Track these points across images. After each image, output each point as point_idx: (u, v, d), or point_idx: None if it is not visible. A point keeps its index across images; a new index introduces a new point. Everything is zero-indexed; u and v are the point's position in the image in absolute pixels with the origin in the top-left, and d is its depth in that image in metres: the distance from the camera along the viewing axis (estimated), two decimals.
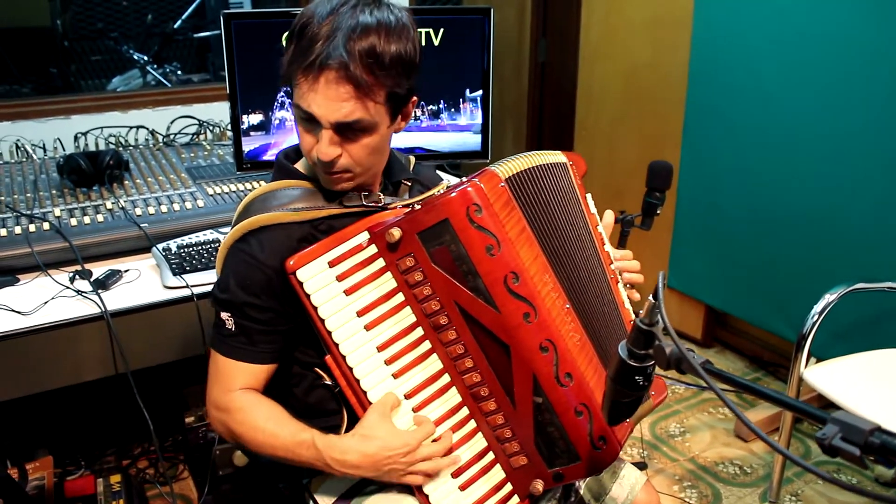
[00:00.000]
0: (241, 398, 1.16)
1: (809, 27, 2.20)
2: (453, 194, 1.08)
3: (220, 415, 1.17)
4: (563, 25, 3.42)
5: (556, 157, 1.29)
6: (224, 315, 1.15)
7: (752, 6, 2.36)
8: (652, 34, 2.96)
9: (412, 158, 1.42)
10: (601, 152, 3.30)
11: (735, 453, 2.37)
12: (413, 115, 1.26)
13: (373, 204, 1.20)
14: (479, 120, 2.00)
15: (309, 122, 1.10)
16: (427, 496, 1.16)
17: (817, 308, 1.81)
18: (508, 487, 1.20)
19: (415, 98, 1.19)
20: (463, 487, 1.18)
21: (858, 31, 2.08)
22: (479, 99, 1.97)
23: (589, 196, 1.37)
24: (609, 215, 1.42)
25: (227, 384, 1.16)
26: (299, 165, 1.24)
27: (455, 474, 1.17)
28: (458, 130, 1.99)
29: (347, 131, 1.10)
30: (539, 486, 1.17)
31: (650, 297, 0.81)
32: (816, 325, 1.80)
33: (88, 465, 2.18)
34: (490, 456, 1.19)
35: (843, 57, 2.13)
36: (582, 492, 1.33)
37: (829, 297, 1.82)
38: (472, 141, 2.02)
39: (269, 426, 1.14)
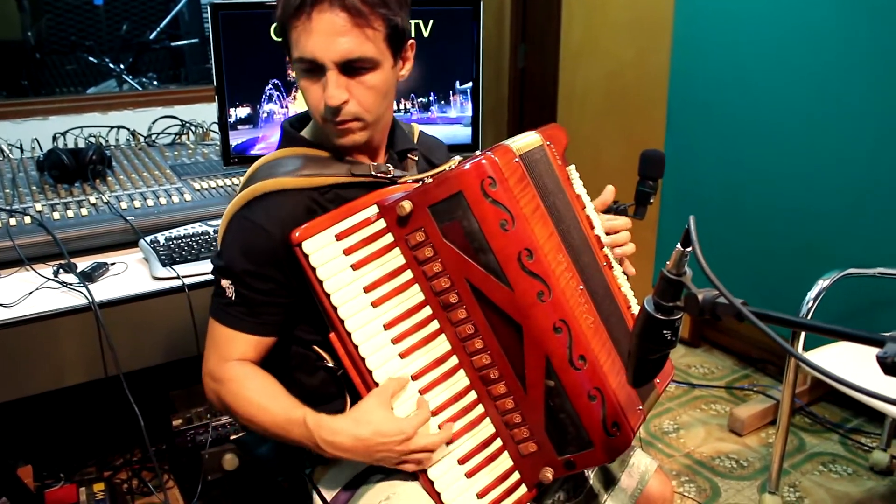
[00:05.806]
0: (236, 369, 1.12)
1: (789, 21, 2.23)
2: (467, 166, 1.04)
3: (213, 384, 1.14)
4: (543, 29, 3.44)
5: (534, 139, 1.21)
6: (224, 283, 1.11)
7: (732, 2, 2.38)
8: (634, 34, 2.98)
9: (416, 127, 1.38)
10: (585, 154, 3.31)
11: (730, 448, 2.36)
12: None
13: (382, 175, 1.16)
14: (469, 112, 1.98)
15: (311, 72, 1.06)
16: (432, 483, 1.12)
17: (812, 294, 1.82)
18: (516, 476, 1.16)
19: (412, 41, 1.15)
20: (469, 475, 1.14)
21: (837, 25, 2.11)
22: (468, 91, 1.96)
23: (573, 170, 1.29)
24: (609, 191, 1.35)
25: (224, 354, 1.12)
26: (305, 133, 1.20)
27: (461, 461, 1.13)
28: (449, 123, 1.98)
29: (352, 71, 1.06)
30: (549, 474, 1.13)
31: (678, 245, 0.78)
32: (812, 311, 1.80)
33: (68, 476, 2.10)
34: (498, 443, 1.15)
35: (823, 48, 2.15)
36: (591, 482, 1.29)
37: (822, 283, 1.83)
38: (463, 133, 2.00)
39: (262, 400, 1.10)
